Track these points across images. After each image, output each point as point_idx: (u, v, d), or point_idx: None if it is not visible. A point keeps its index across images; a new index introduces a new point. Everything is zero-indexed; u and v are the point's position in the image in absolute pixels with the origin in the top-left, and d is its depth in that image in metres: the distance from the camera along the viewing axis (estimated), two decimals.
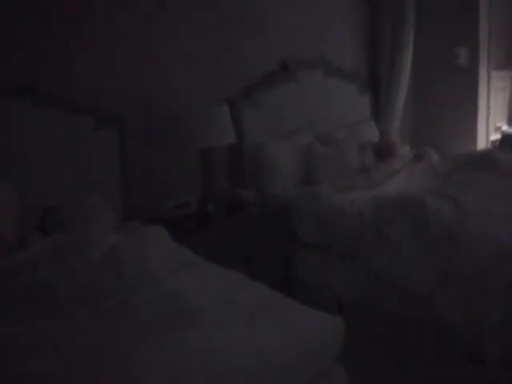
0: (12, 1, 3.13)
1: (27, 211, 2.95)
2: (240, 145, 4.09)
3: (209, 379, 1.78)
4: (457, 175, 3.91)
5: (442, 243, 3.14)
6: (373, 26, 5.21)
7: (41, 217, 3.00)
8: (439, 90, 5.40)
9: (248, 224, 3.67)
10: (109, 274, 2.36)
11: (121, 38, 3.58)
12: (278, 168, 4.18)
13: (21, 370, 1.76)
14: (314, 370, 2.12)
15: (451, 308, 3.05)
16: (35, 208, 3.00)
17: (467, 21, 5.13)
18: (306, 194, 3.95)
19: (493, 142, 5.41)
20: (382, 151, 4.62)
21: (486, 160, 4.08)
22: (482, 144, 5.36)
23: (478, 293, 2.95)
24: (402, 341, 3.30)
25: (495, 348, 2.91)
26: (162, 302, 2.16)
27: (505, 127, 5.47)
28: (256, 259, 3.59)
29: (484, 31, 5.16)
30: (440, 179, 3.90)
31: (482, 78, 5.25)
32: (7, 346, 1.89)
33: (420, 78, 5.45)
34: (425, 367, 3.09)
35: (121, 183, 3.56)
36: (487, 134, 5.43)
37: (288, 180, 4.21)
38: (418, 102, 5.61)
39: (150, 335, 1.93)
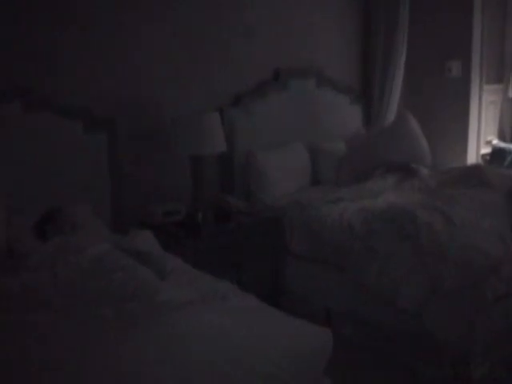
0: (3, 2, 3.12)
1: (16, 215, 2.92)
2: (230, 153, 4.08)
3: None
4: (447, 189, 3.91)
5: (432, 257, 3.14)
6: (366, 38, 5.23)
7: (36, 221, 2.98)
8: (431, 103, 5.41)
9: (237, 233, 3.66)
10: (97, 281, 2.34)
11: (113, 43, 3.57)
12: (268, 178, 4.16)
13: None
14: (300, 382, 2.10)
15: (439, 322, 3.04)
16: (23, 211, 2.98)
17: (460, 34, 5.14)
18: (296, 205, 3.94)
19: (483, 156, 5.42)
20: None
21: (477, 174, 4.08)
22: (472, 158, 5.36)
23: (466, 307, 2.95)
24: (389, 354, 3.28)
25: (483, 364, 2.90)
26: (148, 308, 2.16)
27: (495, 141, 5.48)
28: (245, 269, 3.58)
29: (477, 45, 5.18)
30: (430, 193, 3.90)
31: (473, 92, 5.26)
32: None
33: (412, 90, 5.45)
34: (411, 381, 3.09)
35: (110, 189, 3.53)
36: (478, 147, 5.44)
37: (278, 189, 4.20)
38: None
39: (138, 332, 1.96)
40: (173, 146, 3.68)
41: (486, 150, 5.47)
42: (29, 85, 3.18)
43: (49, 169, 3.25)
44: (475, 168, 4.37)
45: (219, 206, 3.84)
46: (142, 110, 3.75)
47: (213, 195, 3.94)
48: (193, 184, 3.75)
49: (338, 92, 4.97)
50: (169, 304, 2.21)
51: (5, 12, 3.12)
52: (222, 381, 1.83)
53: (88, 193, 3.37)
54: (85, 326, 2.06)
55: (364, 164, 4.44)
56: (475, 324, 2.93)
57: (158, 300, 2.24)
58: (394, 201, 3.76)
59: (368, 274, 3.39)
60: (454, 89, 5.28)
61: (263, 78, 4.42)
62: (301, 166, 4.46)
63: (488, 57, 5.35)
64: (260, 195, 4.14)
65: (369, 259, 3.41)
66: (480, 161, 5.38)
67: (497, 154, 5.27)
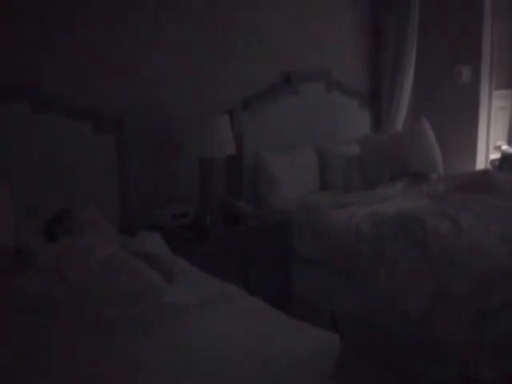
0: (12, 2, 3.13)
1: (24, 216, 2.93)
2: (239, 156, 4.08)
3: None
4: (456, 195, 3.90)
5: (440, 261, 3.13)
6: (376, 42, 5.22)
7: (45, 222, 2.99)
8: (440, 108, 5.39)
9: (245, 236, 3.66)
10: (104, 283, 2.35)
11: (123, 45, 3.59)
12: (277, 181, 4.16)
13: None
14: None
15: (447, 327, 3.03)
16: (31, 212, 2.99)
17: (470, 39, 5.13)
18: (305, 208, 3.93)
19: (492, 162, 5.40)
20: None
21: (485, 180, 4.07)
22: (481, 163, 5.35)
23: (475, 312, 2.93)
24: (394, 357, 3.27)
25: (491, 369, 2.88)
26: (154, 311, 2.16)
27: (504, 147, 5.46)
28: (252, 272, 3.57)
29: (487, 50, 5.17)
30: (439, 198, 3.89)
31: (483, 97, 5.25)
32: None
33: (421, 95, 5.44)
34: None
35: (118, 190, 3.54)
36: (487, 153, 5.42)
37: (287, 193, 4.19)
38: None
39: (143, 334, 1.98)
40: (181, 149, 3.69)
41: (495, 155, 5.44)
42: (38, 86, 3.19)
43: (57, 169, 3.26)
44: (484, 173, 4.35)
45: (227, 208, 3.84)
46: (152, 112, 3.76)
47: (221, 199, 3.93)
48: (201, 186, 3.75)
49: (347, 96, 4.97)
50: (175, 307, 2.22)
51: (15, 12, 3.14)
52: (227, 380, 1.83)
53: (96, 194, 3.38)
54: (90, 327, 2.07)
55: (376, 168, 4.43)
56: (482, 328, 2.92)
57: (164, 302, 2.25)
58: (403, 206, 3.75)
59: (375, 278, 3.38)
60: (464, 94, 5.27)
61: (273, 82, 4.42)
62: (309, 169, 4.46)
63: (498, 62, 5.34)
64: (269, 198, 4.14)
65: (376, 263, 3.40)
66: (489, 166, 5.36)
67: (506, 160, 5.24)
